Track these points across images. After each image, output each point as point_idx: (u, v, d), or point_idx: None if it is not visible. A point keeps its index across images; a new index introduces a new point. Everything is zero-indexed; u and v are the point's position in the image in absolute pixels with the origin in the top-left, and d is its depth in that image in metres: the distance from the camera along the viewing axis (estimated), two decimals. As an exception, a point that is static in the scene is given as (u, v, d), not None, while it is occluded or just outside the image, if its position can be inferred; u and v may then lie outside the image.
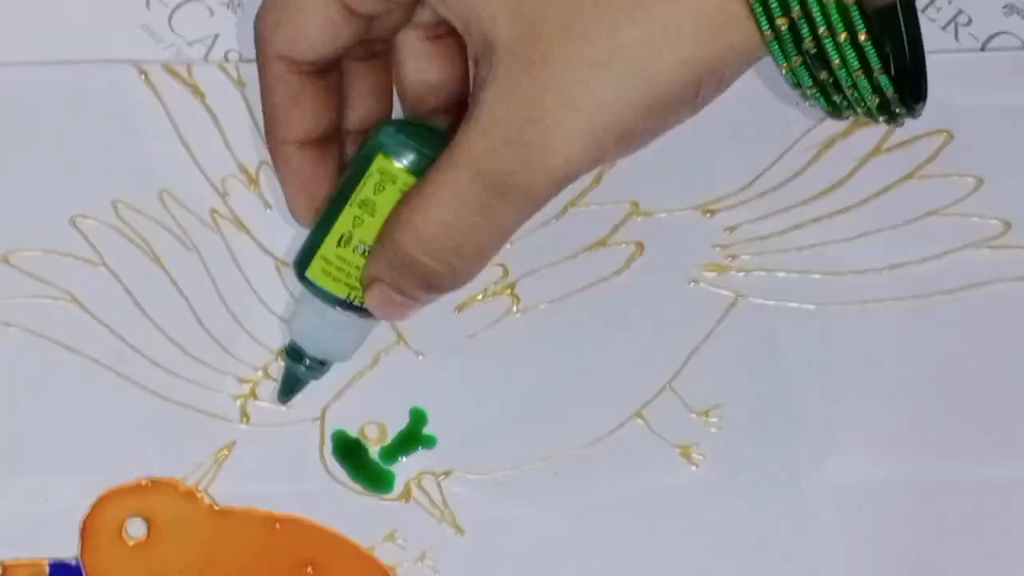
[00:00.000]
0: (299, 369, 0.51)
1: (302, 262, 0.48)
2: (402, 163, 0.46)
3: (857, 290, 0.55)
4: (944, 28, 0.58)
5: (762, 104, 0.56)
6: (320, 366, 0.51)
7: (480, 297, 0.55)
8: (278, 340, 0.54)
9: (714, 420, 0.54)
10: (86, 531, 0.52)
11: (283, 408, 0.53)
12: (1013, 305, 0.55)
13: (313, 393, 0.53)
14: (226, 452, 0.53)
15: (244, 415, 0.53)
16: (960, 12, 0.58)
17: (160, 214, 0.55)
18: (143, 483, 0.52)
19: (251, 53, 0.56)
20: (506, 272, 0.55)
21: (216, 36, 0.57)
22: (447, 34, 0.48)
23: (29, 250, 0.54)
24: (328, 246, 0.47)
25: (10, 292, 0.54)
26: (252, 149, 0.56)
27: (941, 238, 0.55)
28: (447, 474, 0.53)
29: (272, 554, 0.52)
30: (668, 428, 0.54)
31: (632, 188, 0.56)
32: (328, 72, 0.47)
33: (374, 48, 0.49)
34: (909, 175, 0.56)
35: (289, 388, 0.52)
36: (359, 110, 0.49)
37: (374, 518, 0.52)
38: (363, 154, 0.47)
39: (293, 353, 0.50)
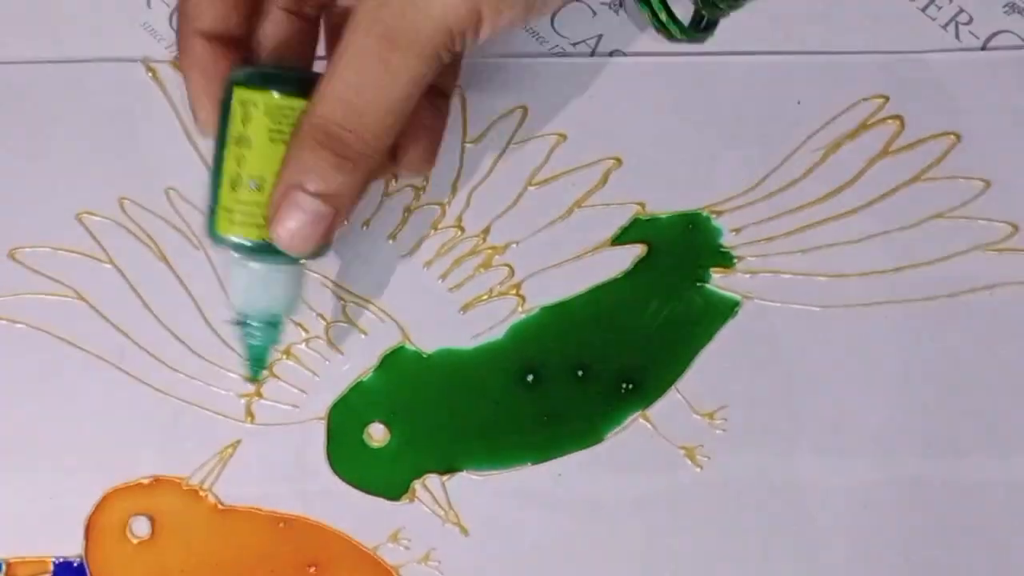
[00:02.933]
0: (252, 337, 0.50)
1: (210, 224, 0.48)
2: (256, 84, 0.47)
3: (863, 292, 0.55)
4: (945, 27, 0.58)
5: (769, 106, 0.56)
6: (271, 328, 0.50)
7: (485, 297, 0.55)
8: (284, 339, 0.54)
9: (719, 422, 0.54)
10: (90, 529, 0.52)
11: (286, 406, 0.53)
12: (1019, 308, 0.55)
13: (318, 393, 0.53)
14: (231, 451, 0.53)
15: (249, 414, 0.53)
16: (961, 11, 0.58)
17: (167, 211, 0.55)
18: (148, 482, 0.52)
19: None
20: (512, 272, 0.55)
21: (218, 36, 0.57)
22: None
23: (35, 247, 0.54)
24: (225, 195, 0.47)
25: (16, 289, 0.54)
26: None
27: (947, 241, 0.55)
28: (451, 474, 0.53)
29: (276, 554, 0.52)
30: (673, 429, 0.54)
31: (639, 189, 0.56)
32: None
33: None
34: (915, 177, 0.56)
35: (254, 360, 0.50)
36: (272, 24, 0.50)
37: (378, 518, 0.52)
38: (224, 98, 0.48)
39: (241, 324, 0.50)
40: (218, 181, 0.47)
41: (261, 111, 0.47)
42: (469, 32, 0.47)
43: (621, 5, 0.57)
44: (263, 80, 0.47)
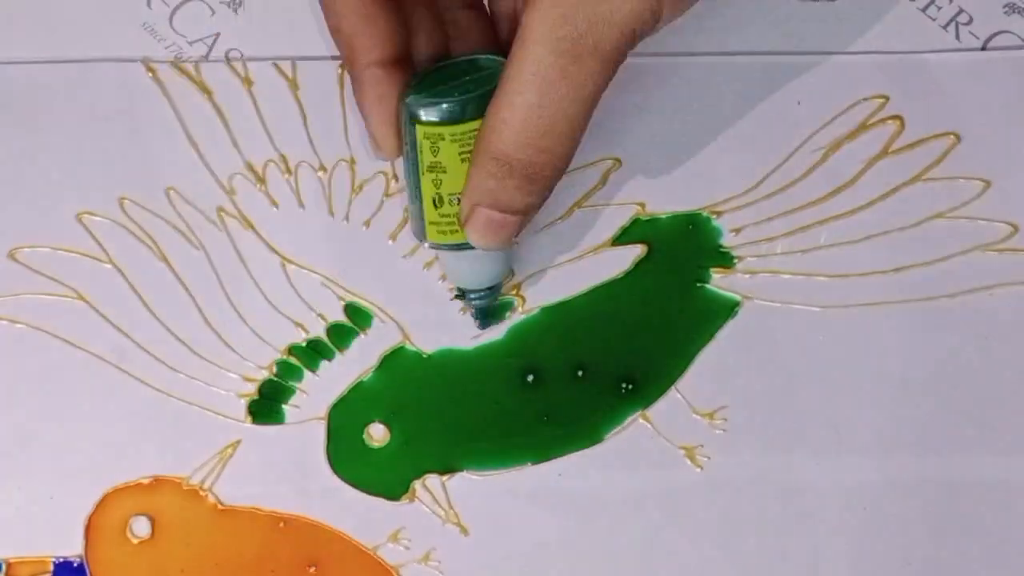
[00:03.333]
0: (472, 303, 0.53)
1: (420, 234, 0.51)
2: (436, 117, 0.48)
3: (862, 293, 0.55)
4: (945, 27, 0.58)
5: (769, 106, 0.56)
6: (488, 292, 0.53)
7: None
8: (284, 339, 0.54)
9: (719, 422, 0.54)
10: (90, 529, 0.52)
11: (287, 407, 0.53)
12: (1019, 308, 0.55)
13: (317, 393, 0.53)
14: (231, 451, 0.53)
15: (249, 414, 0.53)
16: (961, 11, 0.58)
17: (167, 212, 0.55)
18: (148, 482, 0.52)
19: (252, 52, 0.56)
20: (512, 272, 0.55)
21: (217, 35, 0.57)
22: None
23: (35, 247, 0.54)
24: (429, 212, 0.50)
25: (16, 289, 0.54)
26: (259, 147, 0.56)
27: (947, 241, 0.55)
28: (451, 474, 0.53)
29: (276, 553, 0.52)
30: (673, 429, 0.54)
31: (639, 189, 0.56)
32: None
33: None
34: (915, 177, 0.56)
35: (481, 318, 0.54)
36: (423, 35, 0.50)
37: (379, 518, 0.52)
38: (407, 128, 0.49)
39: (462, 294, 0.53)
40: (419, 199, 0.50)
41: (447, 141, 0.48)
42: (648, 27, 0.46)
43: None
44: (441, 115, 0.48)
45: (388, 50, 0.49)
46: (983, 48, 0.58)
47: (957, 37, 0.58)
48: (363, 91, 0.49)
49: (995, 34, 0.58)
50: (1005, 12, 0.58)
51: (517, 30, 0.46)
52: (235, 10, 0.57)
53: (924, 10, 0.58)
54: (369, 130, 0.50)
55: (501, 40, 0.51)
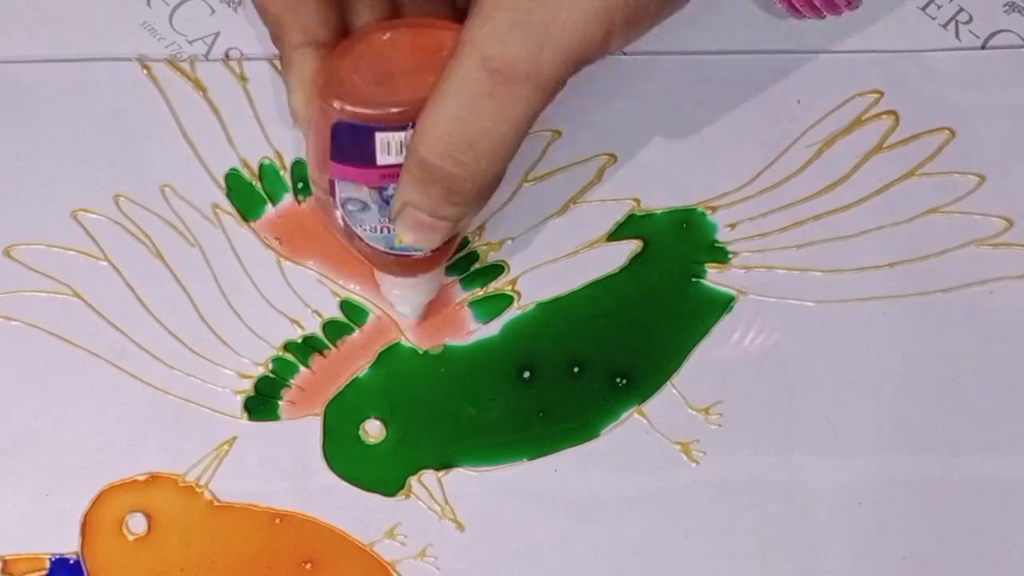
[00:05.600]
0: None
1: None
2: None
3: (858, 288, 0.55)
4: (944, 26, 0.58)
5: (764, 101, 0.56)
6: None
7: (481, 293, 0.55)
8: (279, 335, 0.54)
9: (715, 417, 0.54)
10: (87, 526, 0.52)
11: (283, 403, 0.53)
12: (1014, 303, 0.55)
13: (313, 389, 0.53)
14: (227, 447, 0.53)
15: (245, 410, 0.53)
16: (960, 10, 0.58)
17: (162, 209, 0.55)
18: (144, 478, 0.52)
19: (253, 51, 0.56)
20: (507, 268, 0.55)
21: (217, 34, 0.57)
22: None
23: (31, 244, 0.54)
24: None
25: (11, 286, 0.54)
26: (254, 144, 0.56)
27: (942, 236, 0.55)
28: (447, 470, 0.53)
29: (272, 550, 0.52)
30: (669, 425, 0.54)
31: (634, 185, 0.56)
32: None
33: None
34: (910, 172, 0.56)
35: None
36: (364, 15, 0.48)
37: (375, 514, 0.52)
38: None
39: None
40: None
41: None
42: (596, 55, 0.43)
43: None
44: None
45: (317, 33, 0.47)
46: (983, 47, 0.58)
47: (957, 36, 0.58)
48: (289, 69, 0.48)
49: (995, 33, 0.58)
50: (1005, 11, 0.58)
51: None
52: (235, 9, 0.58)
53: (924, 9, 0.58)
54: (290, 103, 0.48)
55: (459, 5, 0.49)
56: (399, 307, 0.53)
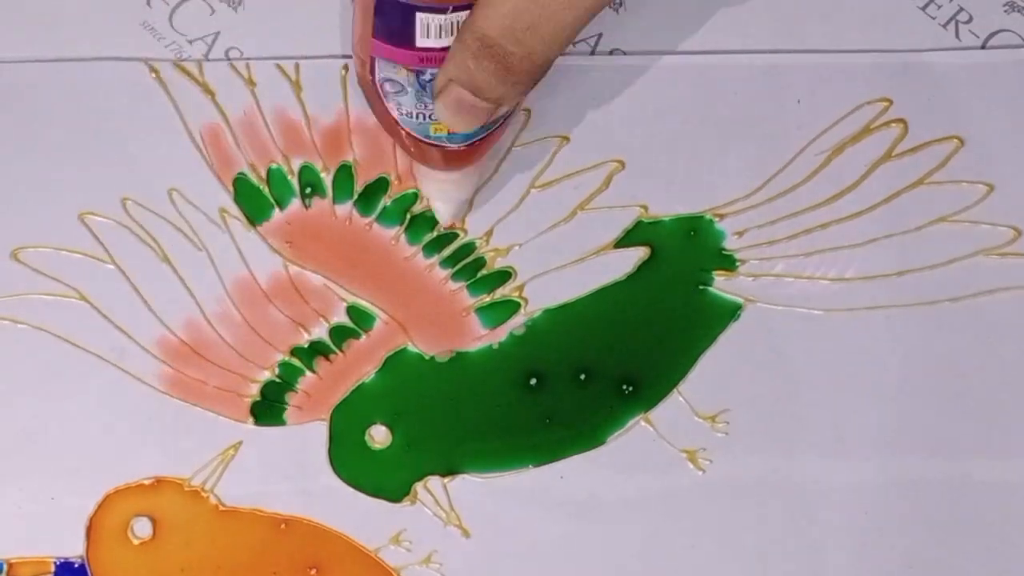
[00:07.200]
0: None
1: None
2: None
3: (865, 296, 0.55)
4: (944, 26, 0.58)
5: (772, 109, 0.56)
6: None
7: (488, 299, 0.55)
8: (286, 340, 0.54)
9: (721, 425, 0.54)
10: (92, 530, 0.52)
11: (289, 408, 0.53)
12: (1021, 312, 0.55)
13: (319, 394, 0.53)
14: (233, 452, 0.53)
15: (251, 415, 0.53)
16: (960, 10, 0.58)
17: (169, 212, 0.55)
18: (149, 482, 0.52)
19: (252, 50, 0.56)
20: (514, 274, 0.55)
21: (217, 34, 0.57)
22: None
23: (37, 247, 0.54)
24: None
25: (18, 289, 0.54)
26: (262, 149, 0.56)
27: (950, 245, 0.55)
28: (453, 476, 0.53)
29: (277, 555, 0.52)
30: (675, 432, 0.54)
31: (642, 192, 0.56)
32: None
33: None
34: (919, 181, 0.56)
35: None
36: None
37: (380, 520, 0.52)
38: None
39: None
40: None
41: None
42: None
43: (621, 4, 0.57)
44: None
45: None
46: (983, 47, 0.58)
47: (957, 36, 0.58)
48: None
49: (995, 32, 0.58)
50: (1005, 10, 0.58)
51: None
52: (235, 9, 0.57)
53: (924, 8, 0.58)
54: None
55: None
56: (436, 203, 0.54)
